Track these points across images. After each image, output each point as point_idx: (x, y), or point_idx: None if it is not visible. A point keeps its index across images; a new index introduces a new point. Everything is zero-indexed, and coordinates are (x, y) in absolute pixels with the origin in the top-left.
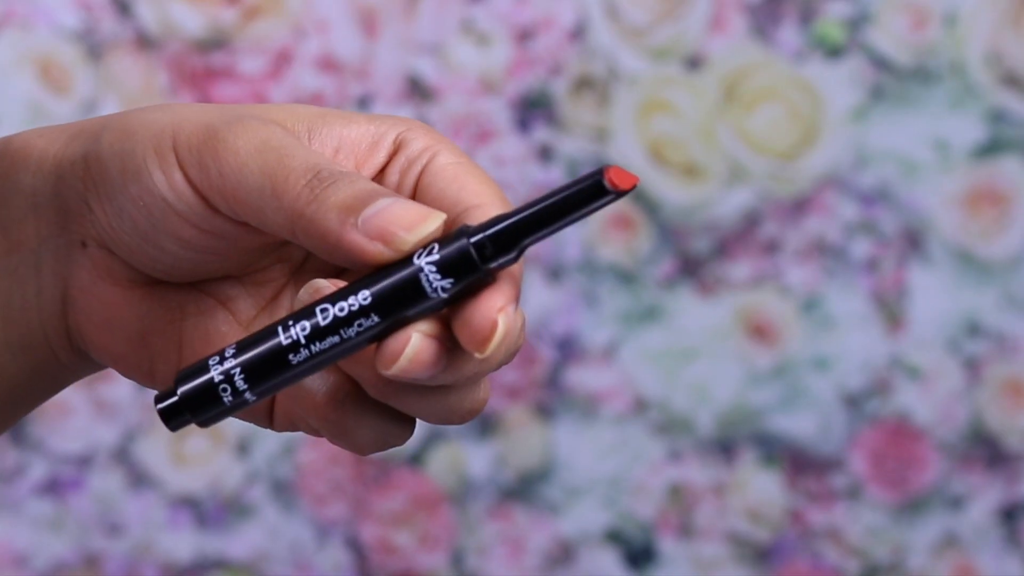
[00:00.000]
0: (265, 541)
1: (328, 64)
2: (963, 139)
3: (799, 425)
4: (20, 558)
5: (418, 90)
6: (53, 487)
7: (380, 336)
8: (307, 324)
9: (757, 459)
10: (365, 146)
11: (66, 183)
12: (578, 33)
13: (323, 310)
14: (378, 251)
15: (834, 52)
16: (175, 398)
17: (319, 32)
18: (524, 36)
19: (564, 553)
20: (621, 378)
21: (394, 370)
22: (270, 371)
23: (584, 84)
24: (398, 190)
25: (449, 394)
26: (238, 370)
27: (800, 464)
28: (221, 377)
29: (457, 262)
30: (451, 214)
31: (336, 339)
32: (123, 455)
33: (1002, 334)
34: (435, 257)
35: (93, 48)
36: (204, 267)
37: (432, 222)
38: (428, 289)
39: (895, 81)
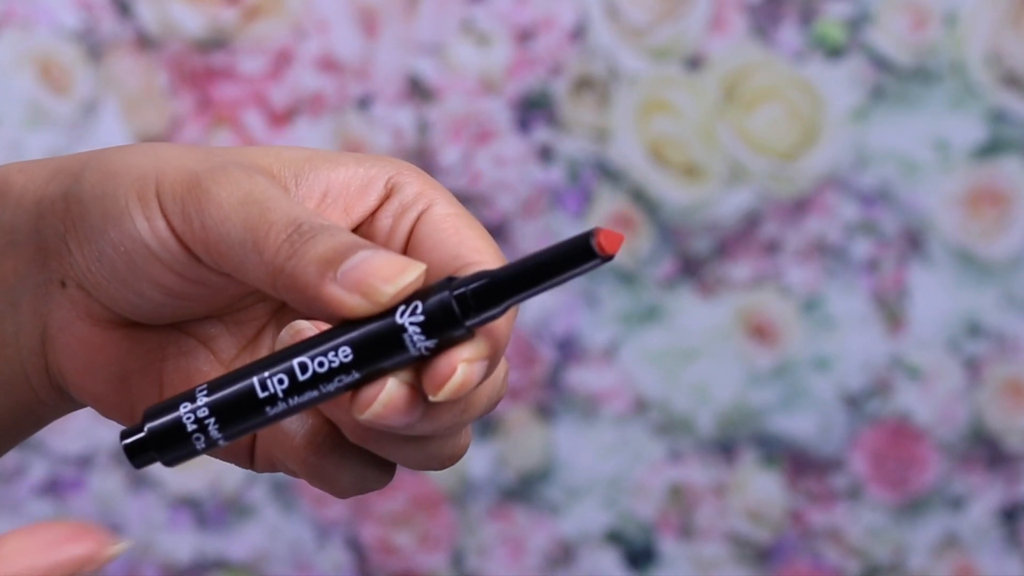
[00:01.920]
0: (265, 541)
1: (328, 64)
2: (963, 139)
3: (799, 425)
4: None
5: (418, 90)
6: (53, 487)
7: (358, 385)
8: (285, 378)
9: (757, 459)
10: (354, 189)
11: (46, 222)
12: (578, 33)
13: (302, 366)
14: (356, 304)
15: (834, 52)
16: (142, 434)
17: (319, 32)
18: (524, 36)
19: (564, 553)
20: (621, 378)
21: (368, 415)
22: (243, 418)
23: (584, 84)
24: (391, 235)
25: (429, 442)
26: (208, 414)
27: (800, 464)
28: (191, 418)
29: (439, 318)
30: (449, 268)
31: (315, 393)
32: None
33: (1002, 334)
34: (419, 318)
35: (93, 48)
36: (185, 311)
37: (411, 273)
38: (411, 347)
39: (895, 81)
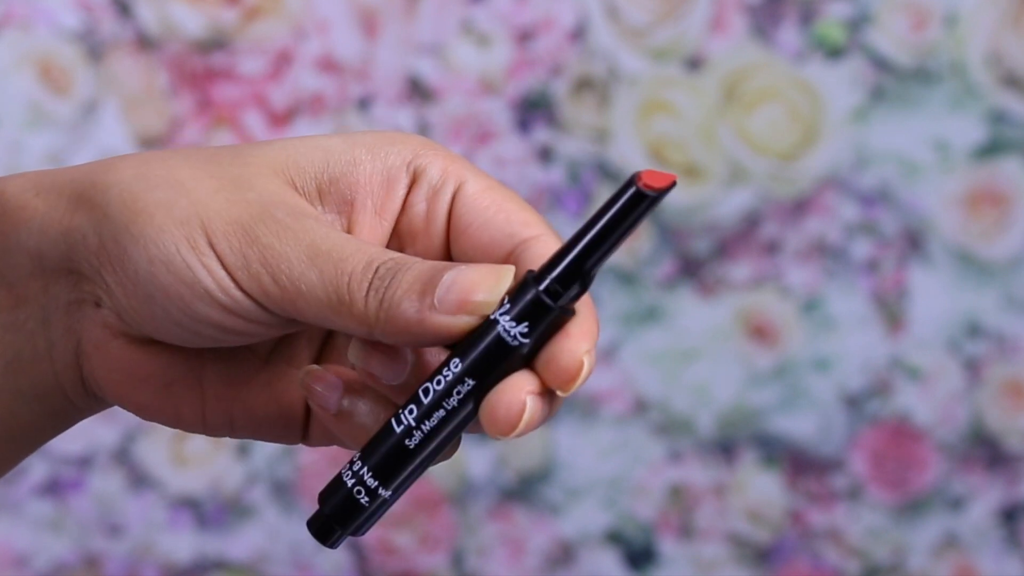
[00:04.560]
0: (265, 542)
1: (328, 65)
2: (963, 140)
3: (799, 426)
4: (20, 558)
5: (418, 91)
6: (53, 488)
7: (478, 396)
8: (414, 407)
9: (757, 460)
10: (378, 186)
11: (78, 252)
12: (578, 34)
13: (424, 390)
14: (465, 323)
15: (834, 53)
16: (323, 519)
17: (319, 32)
18: (524, 37)
19: (564, 554)
20: (621, 379)
21: (513, 436)
22: (395, 463)
23: (584, 85)
24: (428, 220)
25: None
26: (367, 471)
27: (800, 465)
28: (360, 491)
29: (534, 312)
30: (506, 246)
31: (442, 412)
32: (123, 456)
33: (1002, 334)
34: (512, 314)
35: (93, 48)
36: (236, 342)
37: (505, 277)
38: (514, 343)
39: (895, 81)
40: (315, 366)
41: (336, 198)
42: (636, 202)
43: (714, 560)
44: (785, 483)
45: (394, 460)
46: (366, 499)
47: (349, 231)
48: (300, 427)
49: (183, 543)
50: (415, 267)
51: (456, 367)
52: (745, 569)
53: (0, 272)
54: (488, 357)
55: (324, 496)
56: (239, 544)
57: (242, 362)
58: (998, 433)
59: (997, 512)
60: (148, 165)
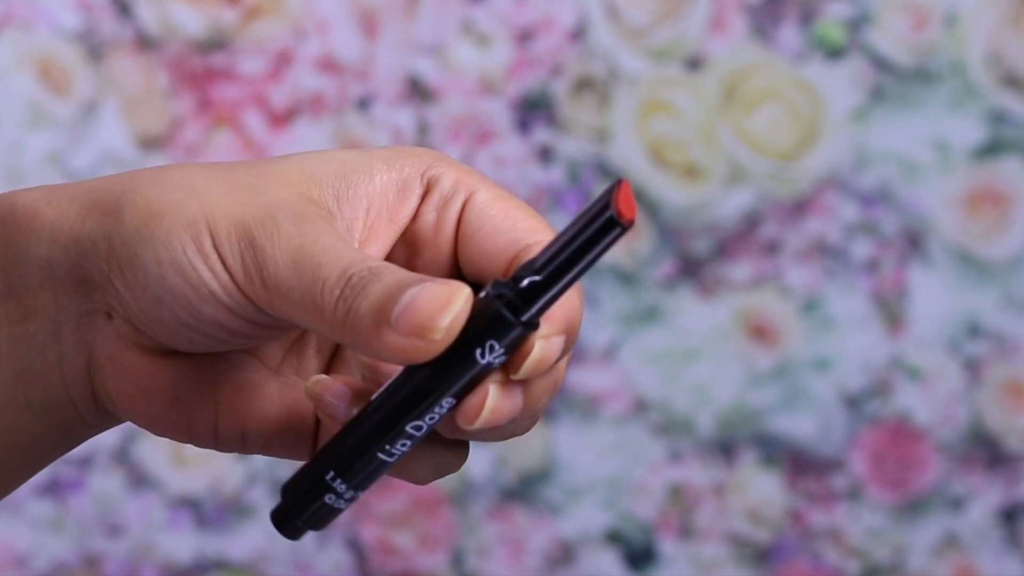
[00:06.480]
0: (265, 542)
1: (328, 65)
2: (963, 140)
3: (799, 426)
4: (20, 558)
5: (418, 91)
6: (53, 487)
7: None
8: (408, 442)
9: (757, 460)
10: (393, 195)
11: (87, 259)
12: (578, 34)
13: (417, 427)
14: (416, 347)
15: (834, 53)
16: (287, 511)
17: (319, 32)
18: (524, 37)
19: (564, 554)
20: (621, 379)
21: (478, 425)
22: (376, 477)
23: (584, 85)
24: (437, 228)
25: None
26: (353, 494)
27: (800, 465)
28: (338, 501)
29: (511, 338)
30: (510, 252)
31: (429, 432)
32: (123, 456)
33: (1002, 335)
34: (500, 351)
35: (93, 48)
36: (244, 345)
37: (457, 302)
38: (496, 365)
39: (895, 82)
40: (323, 375)
41: (354, 206)
42: (609, 230)
43: (714, 560)
44: (785, 483)
45: (378, 476)
46: (348, 507)
47: (366, 240)
48: (311, 440)
49: (183, 543)
50: (385, 279)
51: (451, 404)
52: (745, 569)
53: (10, 283)
54: (476, 386)
55: (290, 492)
56: (239, 544)
57: (253, 373)
58: (998, 433)
59: (997, 512)
60: (165, 173)
